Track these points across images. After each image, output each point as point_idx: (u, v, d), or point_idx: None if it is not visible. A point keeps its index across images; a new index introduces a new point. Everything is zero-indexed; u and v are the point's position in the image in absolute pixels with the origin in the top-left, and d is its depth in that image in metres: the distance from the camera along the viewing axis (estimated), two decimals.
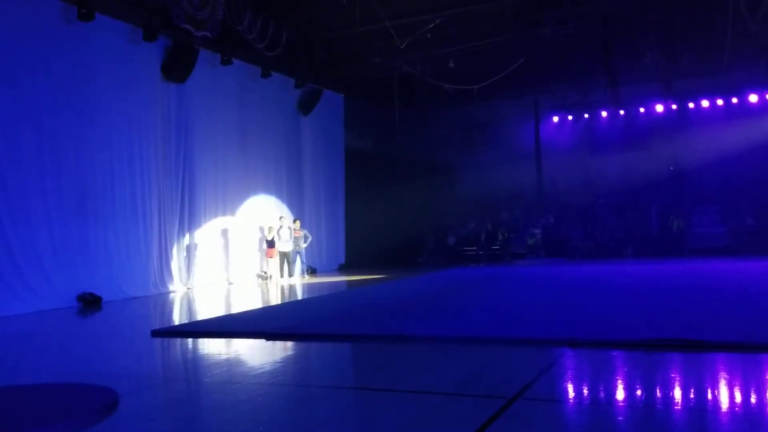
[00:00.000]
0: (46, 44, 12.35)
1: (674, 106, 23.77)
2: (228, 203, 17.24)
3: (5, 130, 11.59)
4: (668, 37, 19.45)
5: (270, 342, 7.56)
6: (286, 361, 6.79)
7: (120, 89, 13.88)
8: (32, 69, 12.08)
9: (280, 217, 17.95)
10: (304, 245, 18.05)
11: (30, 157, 12.03)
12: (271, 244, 17.12)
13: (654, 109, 23.95)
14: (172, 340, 8.25)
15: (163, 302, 13.48)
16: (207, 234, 16.47)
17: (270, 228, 17.30)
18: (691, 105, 23.66)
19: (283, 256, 17.16)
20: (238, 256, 17.36)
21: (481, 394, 4.88)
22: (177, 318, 11.62)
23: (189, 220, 15.90)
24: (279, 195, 19.28)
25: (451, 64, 19.32)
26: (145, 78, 14.59)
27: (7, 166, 11.60)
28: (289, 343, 7.49)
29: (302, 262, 18.22)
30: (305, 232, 18.21)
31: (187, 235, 15.84)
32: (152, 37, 14.23)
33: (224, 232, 17.03)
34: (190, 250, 15.92)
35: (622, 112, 24.30)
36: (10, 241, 11.59)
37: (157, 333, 8.54)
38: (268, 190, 18.80)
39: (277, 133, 19.17)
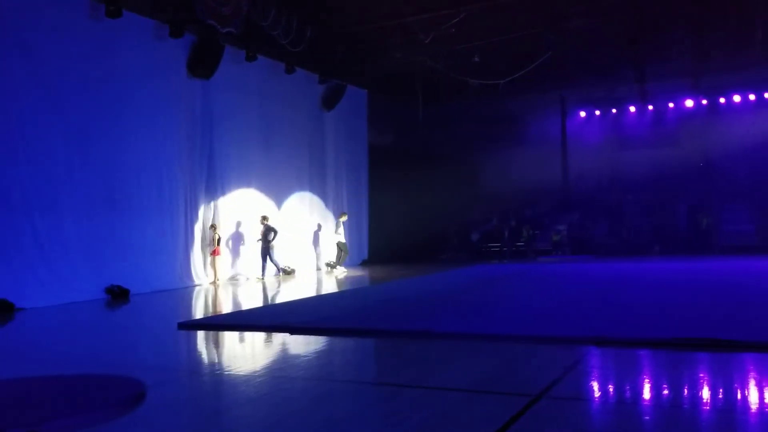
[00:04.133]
0: (75, 41, 12.53)
1: (704, 101, 23.38)
2: (252, 199, 17.34)
3: (35, 125, 11.79)
4: (698, 31, 19.12)
5: (294, 336, 7.59)
6: (309, 356, 6.82)
7: (147, 85, 14.03)
8: (61, 65, 12.26)
9: (343, 213, 19.69)
10: (272, 242, 16.73)
11: (59, 152, 12.22)
12: (218, 243, 16.05)
13: (683, 105, 23.58)
14: (197, 332, 8.34)
15: (189, 295, 13.62)
16: (231, 229, 16.59)
17: (213, 226, 15.90)
18: (721, 100, 23.25)
19: (339, 247, 19.19)
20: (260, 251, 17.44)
21: (506, 392, 4.86)
22: (202, 311, 11.74)
23: (214, 214, 16.04)
24: (302, 190, 19.34)
25: (476, 59, 19.18)
26: (171, 74, 14.73)
27: (37, 160, 11.80)
28: (313, 338, 7.52)
29: (272, 261, 16.86)
30: (273, 228, 16.83)
31: (213, 230, 15.97)
32: (178, 33, 14.35)
33: (249, 227, 17.10)
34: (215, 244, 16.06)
35: (650, 107, 23.96)
36: (40, 235, 11.80)
37: (183, 326, 8.63)
38: (291, 186, 18.87)
39: (301, 128, 19.22)
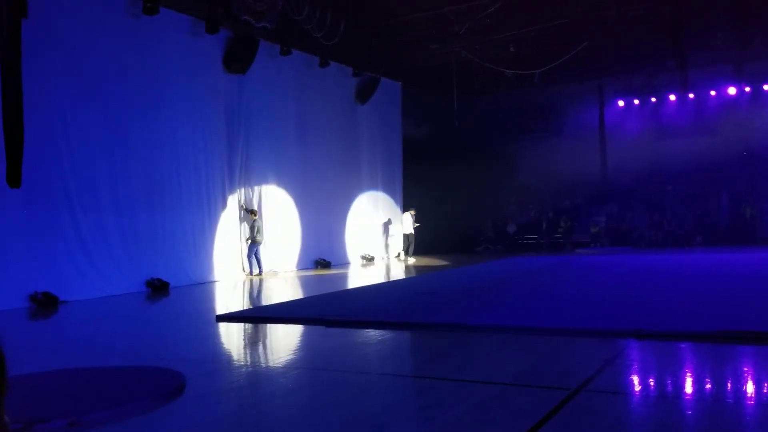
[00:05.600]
0: (114, 38, 12.76)
1: (747, 89, 22.74)
2: (288, 192, 17.48)
3: (76, 121, 12.05)
4: (740, 16, 18.57)
5: (329, 328, 7.64)
6: (345, 348, 6.85)
7: (184, 81, 14.22)
8: (101, 62, 12.50)
9: (410, 207, 20.96)
10: (260, 237, 15.93)
11: (100, 147, 12.48)
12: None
13: (725, 92, 22.97)
14: (235, 325, 8.44)
15: (226, 288, 13.80)
16: (268, 222, 16.75)
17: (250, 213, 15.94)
18: (765, 87, 22.58)
19: (406, 238, 20.66)
20: (297, 244, 17.59)
21: (543, 385, 4.81)
22: (240, 304, 11.88)
23: (245, 207, 16.20)
24: (336, 183, 19.40)
25: (512, 49, 18.96)
26: (207, 70, 14.90)
27: (78, 155, 12.07)
28: (349, 330, 7.56)
29: (258, 260, 15.94)
30: (260, 223, 16.04)
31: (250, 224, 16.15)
32: (214, 29, 14.51)
33: (285, 221, 17.26)
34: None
35: (691, 95, 23.39)
36: (82, 229, 12.08)
37: (221, 318, 8.75)
38: (326, 179, 18.93)
39: (335, 121, 19.27)
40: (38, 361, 6.19)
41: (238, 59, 15.38)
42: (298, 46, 17.06)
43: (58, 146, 11.76)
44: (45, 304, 10.93)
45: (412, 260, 20.04)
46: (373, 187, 21.16)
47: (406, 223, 20.85)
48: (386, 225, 21.38)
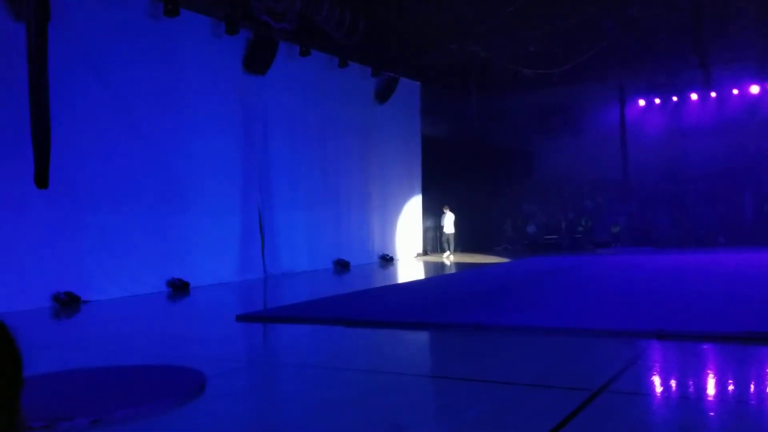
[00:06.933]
0: (135, 40, 12.87)
1: None
2: (306, 192, 17.52)
3: (99, 122, 12.17)
4: (763, 14, 18.30)
5: (349, 328, 7.64)
6: (363, 348, 6.85)
7: (204, 82, 14.31)
8: (122, 64, 12.61)
9: (444, 206, 21.52)
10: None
11: (121, 147, 12.59)
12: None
13: (748, 91, 22.65)
14: (255, 324, 8.49)
15: (246, 288, 13.87)
16: (288, 222, 16.80)
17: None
18: None
19: (446, 236, 21.53)
20: (316, 244, 17.63)
21: (565, 386, 4.77)
22: (260, 303, 11.94)
23: (270, 209, 16.27)
24: (355, 183, 19.40)
25: (532, 49, 18.84)
26: (227, 70, 14.99)
27: (101, 156, 12.19)
28: (367, 330, 7.56)
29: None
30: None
31: (269, 224, 16.21)
32: (234, 30, 14.59)
33: (303, 221, 17.30)
34: (272, 237, 16.30)
35: (713, 94, 23.11)
36: (104, 229, 12.20)
37: (241, 318, 8.80)
38: (345, 179, 18.93)
39: (355, 121, 19.27)
40: (61, 360, 6.27)
41: (257, 60, 15.45)
42: (317, 46, 17.10)
43: (81, 147, 11.86)
44: (68, 303, 11.06)
45: (452, 258, 20.68)
46: (392, 186, 21.13)
47: (447, 223, 21.56)
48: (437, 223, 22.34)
